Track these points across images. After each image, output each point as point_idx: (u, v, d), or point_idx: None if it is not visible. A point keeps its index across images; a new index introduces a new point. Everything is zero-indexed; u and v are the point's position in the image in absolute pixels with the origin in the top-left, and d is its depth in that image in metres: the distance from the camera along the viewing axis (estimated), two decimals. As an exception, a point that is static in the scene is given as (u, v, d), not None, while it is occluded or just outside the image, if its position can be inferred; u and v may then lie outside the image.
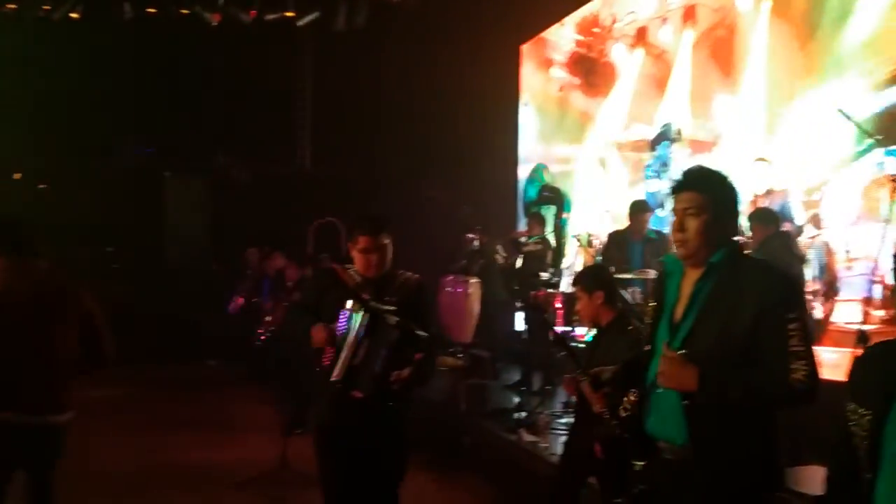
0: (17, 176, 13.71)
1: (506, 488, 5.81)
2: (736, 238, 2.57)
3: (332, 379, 3.40)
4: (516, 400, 6.65)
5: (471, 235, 8.73)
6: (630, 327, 3.90)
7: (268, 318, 8.90)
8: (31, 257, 3.45)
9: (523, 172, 10.79)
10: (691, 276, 2.51)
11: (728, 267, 2.45)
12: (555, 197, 7.91)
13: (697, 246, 2.46)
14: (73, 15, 11.41)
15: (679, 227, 2.48)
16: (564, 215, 7.79)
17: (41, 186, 14.01)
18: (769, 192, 6.39)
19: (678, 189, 2.53)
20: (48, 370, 3.41)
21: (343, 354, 3.41)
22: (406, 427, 3.60)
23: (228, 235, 12.44)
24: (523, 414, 6.37)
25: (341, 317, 3.44)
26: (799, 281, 2.61)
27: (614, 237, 6.96)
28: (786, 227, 5.94)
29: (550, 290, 7.17)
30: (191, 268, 12.06)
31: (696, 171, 2.57)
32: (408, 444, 3.63)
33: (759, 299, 2.35)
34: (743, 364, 2.36)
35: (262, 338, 8.81)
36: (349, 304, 3.44)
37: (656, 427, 2.51)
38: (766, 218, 5.62)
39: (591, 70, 9.53)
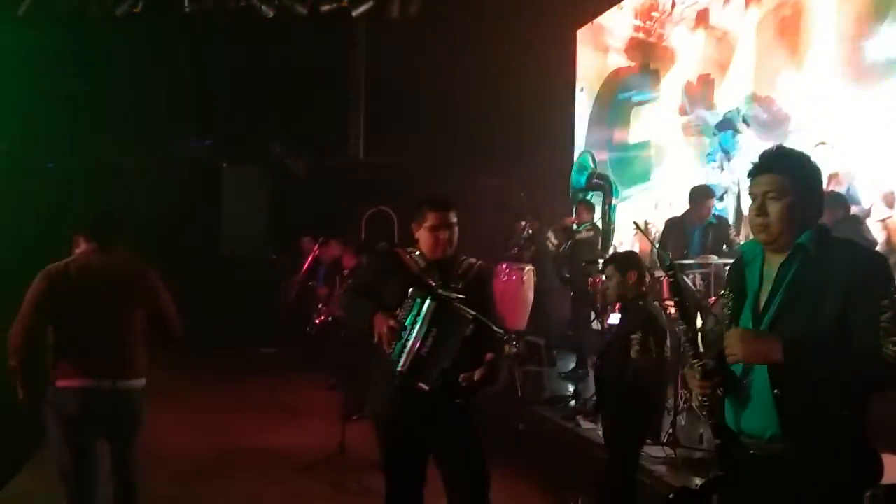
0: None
1: (562, 476, 5.77)
2: (820, 219, 2.45)
3: (399, 369, 3.28)
4: (572, 387, 6.60)
5: (523, 223, 8.67)
6: (642, 302, 4.23)
7: (322, 306, 8.98)
8: (112, 246, 3.91)
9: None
10: (774, 261, 2.42)
11: (815, 248, 2.35)
12: (603, 184, 7.80)
13: (780, 230, 2.37)
14: (136, 10, 11.63)
15: (760, 211, 2.39)
16: (613, 201, 7.67)
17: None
18: (833, 176, 6.21)
19: (757, 171, 2.43)
20: (120, 341, 3.79)
21: (409, 344, 3.27)
22: (473, 418, 3.47)
23: (284, 224, 12.61)
24: (580, 401, 6.33)
25: (406, 304, 3.31)
26: (887, 261, 2.48)
27: (672, 223, 6.83)
28: (853, 210, 5.77)
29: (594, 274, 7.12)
30: (247, 257, 12.26)
31: (774, 152, 2.46)
32: (477, 433, 3.47)
33: (848, 278, 2.25)
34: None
35: (318, 323, 8.89)
36: (410, 290, 3.32)
37: (742, 421, 2.40)
38: (834, 202, 5.45)
39: (649, 55, 9.34)
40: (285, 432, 7.08)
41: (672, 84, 8.89)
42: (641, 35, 9.52)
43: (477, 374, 3.27)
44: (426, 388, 3.27)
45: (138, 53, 11.97)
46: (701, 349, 2.50)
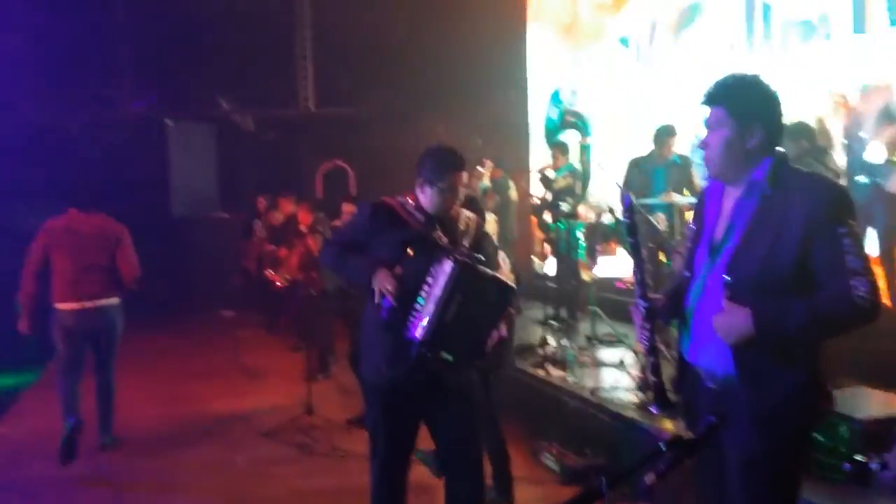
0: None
1: (533, 425, 5.72)
2: (779, 149, 2.32)
3: (418, 338, 3.00)
4: (540, 335, 6.50)
5: (479, 169, 8.47)
6: None
7: (281, 267, 8.74)
8: (93, 210, 5.39)
9: (537, 99, 10.44)
10: (732, 195, 2.33)
11: (771, 182, 2.24)
12: (577, 121, 7.47)
13: (721, 163, 2.30)
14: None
15: (703, 144, 2.34)
16: (587, 140, 7.38)
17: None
18: (868, 92, 5.76)
19: (703, 104, 2.34)
20: (98, 275, 5.27)
21: (430, 310, 2.99)
22: (478, 392, 3.40)
23: (235, 182, 12.26)
24: (549, 349, 6.25)
25: (413, 262, 3.04)
26: (848, 192, 2.36)
27: (635, 162, 6.71)
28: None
29: (571, 221, 6.97)
30: (199, 217, 11.90)
31: (717, 81, 2.34)
32: (472, 398, 3.33)
33: (807, 214, 2.15)
34: (794, 288, 2.17)
35: (279, 285, 8.66)
36: (412, 247, 3.07)
37: (697, 356, 2.38)
38: (798, 132, 5.35)
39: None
40: (250, 396, 6.92)
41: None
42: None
43: (504, 331, 3.17)
44: (450, 358, 3.03)
45: (76, 8, 11.38)
46: (649, 288, 2.48)
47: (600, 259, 7.00)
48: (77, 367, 5.37)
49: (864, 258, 2.17)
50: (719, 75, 2.36)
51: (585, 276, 7.17)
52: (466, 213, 3.33)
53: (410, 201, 3.21)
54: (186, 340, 9.85)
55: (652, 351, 2.46)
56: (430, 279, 3.03)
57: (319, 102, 11.93)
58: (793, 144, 5.33)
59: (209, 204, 11.45)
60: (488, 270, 3.11)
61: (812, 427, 2.42)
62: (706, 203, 2.45)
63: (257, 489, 4.80)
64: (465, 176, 3.22)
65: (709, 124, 2.31)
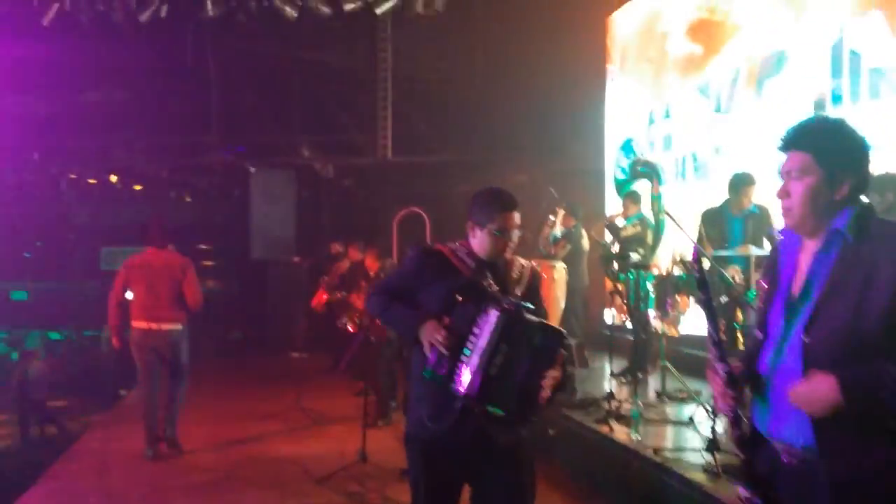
0: (113, 178, 14.20)
1: (594, 484, 5.44)
2: (864, 198, 2.13)
3: (463, 391, 2.84)
4: (607, 389, 6.23)
5: (552, 218, 8.29)
6: None
7: (352, 311, 8.73)
8: (165, 246, 6.41)
9: (613, 148, 10.28)
10: (810, 248, 2.13)
11: (854, 232, 2.04)
12: (648, 171, 7.25)
13: (804, 213, 2.09)
14: (160, 15, 11.59)
15: (781, 192, 2.13)
16: (659, 190, 7.12)
17: (136, 188, 14.52)
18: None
19: (781, 148, 2.16)
20: (165, 302, 6.23)
21: (475, 362, 2.84)
22: (532, 453, 3.09)
23: (312, 228, 12.48)
24: (614, 404, 5.97)
25: (460, 312, 2.90)
26: None
27: (711, 213, 6.42)
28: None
29: (642, 272, 6.69)
30: (275, 261, 12.13)
31: (801, 125, 2.16)
32: (532, 468, 3.09)
33: (892, 272, 1.94)
34: (882, 351, 1.93)
35: (351, 330, 8.63)
36: (461, 295, 2.92)
37: (774, 428, 2.13)
38: (884, 184, 5.01)
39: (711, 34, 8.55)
40: (308, 441, 6.88)
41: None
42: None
43: (557, 373, 2.88)
44: (500, 412, 2.85)
45: (164, 61, 11.95)
46: (726, 350, 2.20)
47: (672, 314, 6.69)
48: (152, 376, 6.30)
49: None
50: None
51: (669, 330, 6.90)
52: (521, 261, 3.18)
53: (462, 247, 3.09)
54: (254, 381, 9.95)
55: (738, 422, 2.18)
56: (476, 329, 2.87)
57: (397, 151, 12.06)
58: (878, 197, 5.00)
59: (285, 248, 11.66)
60: (535, 319, 2.92)
61: None
62: (781, 257, 2.23)
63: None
64: (516, 217, 3.04)
65: (789, 171, 2.11)
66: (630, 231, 7.27)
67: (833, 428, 1.97)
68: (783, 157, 2.15)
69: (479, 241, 3.04)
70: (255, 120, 12.76)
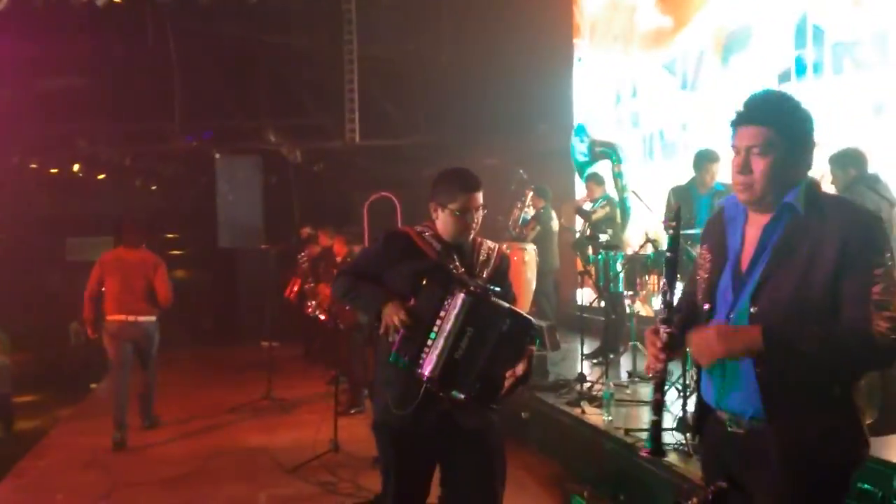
0: (75, 168, 13.91)
1: (567, 466, 5.45)
2: (809, 174, 2.15)
3: (427, 375, 2.81)
4: (578, 371, 6.24)
5: (522, 200, 8.27)
6: None
7: (320, 299, 8.65)
8: (139, 245, 6.76)
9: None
10: (758, 221, 2.16)
11: (805, 206, 2.08)
12: (607, 150, 7.26)
13: (765, 189, 2.10)
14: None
15: (743, 168, 2.10)
16: (620, 168, 7.15)
17: (100, 177, 14.23)
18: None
19: (740, 122, 2.12)
20: (139, 295, 6.56)
21: (439, 345, 2.81)
22: (501, 437, 3.05)
23: (281, 214, 12.33)
24: (586, 386, 5.98)
25: (425, 295, 2.87)
26: (883, 222, 2.14)
27: (676, 191, 6.41)
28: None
29: (612, 253, 6.69)
30: (243, 248, 11.98)
31: (761, 99, 2.13)
32: (503, 458, 3.06)
33: (841, 242, 2.00)
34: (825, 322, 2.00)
35: (323, 318, 8.55)
36: (427, 279, 2.88)
37: (722, 399, 2.18)
38: (846, 159, 5.04)
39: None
40: (280, 430, 6.82)
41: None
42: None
43: (520, 370, 2.85)
44: (462, 396, 2.82)
45: (123, 47, 11.69)
46: (673, 317, 2.22)
47: (642, 293, 6.71)
48: (124, 367, 6.59)
49: (894, 295, 1.99)
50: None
51: (644, 308, 6.90)
52: (489, 244, 3.14)
53: (428, 228, 3.05)
54: (225, 371, 9.87)
55: (661, 387, 2.24)
56: (442, 312, 2.84)
57: (364, 134, 11.93)
58: (841, 172, 5.04)
59: (254, 235, 11.51)
60: (504, 303, 2.88)
61: (847, 474, 2.18)
62: (727, 228, 2.24)
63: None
64: (478, 197, 2.99)
65: (749, 146, 2.09)
66: (600, 213, 7.29)
67: (781, 396, 2.04)
68: (741, 130, 2.12)
69: (441, 222, 3.01)
70: (218, 105, 12.53)
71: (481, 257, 3.06)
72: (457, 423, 2.92)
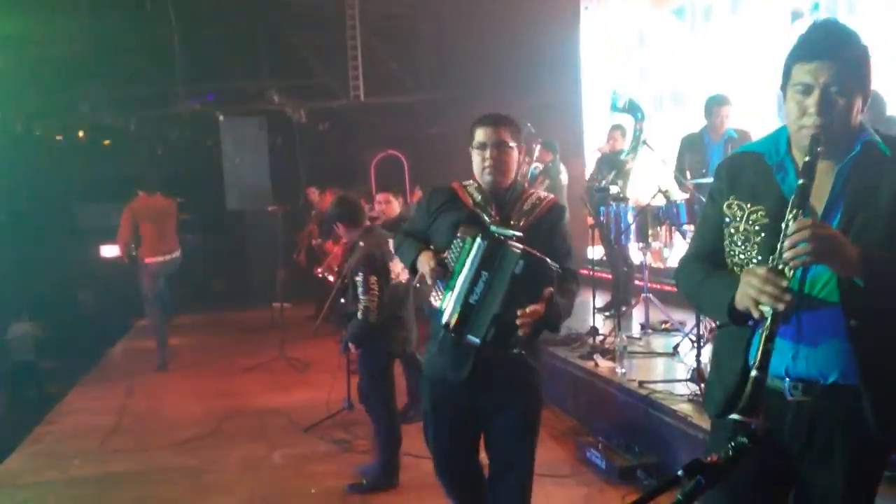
0: (80, 134, 13.84)
1: (581, 419, 5.45)
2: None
3: (444, 321, 2.78)
4: (590, 324, 6.20)
5: (530, 156, 8.14)
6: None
7: (328, 261, 8.61)
8: (154, 190, 8.14)
9: (590, 81, 10.09)
10: (821, 167, 1.88)
11: (891, 144, 1.89)
12: (631, 108, 7.05)
13: (843, 130, 1.87)
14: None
15: (821, 108, 1.84)
16: (640, 126, 6.97)
17: (105, 143, 14.16)
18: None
19: (812, 56, 1.86)
20: (169, 235, 8.04)
21: (456, 291, 2.78)
22: (538, 381, 2.95)
23: (288, 175, 12.25)
24: (598, 339, 5.95)
25: (455, 244, 2.83)
26: None
27: (688, 140, 6.29)
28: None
29: (622, 205, 6.60)
30: (252, 210, 11.94)
31: (834, 31, 1.89)
32: (538, 402, 2.97)
33: None
34: None
35: (325, 277, 8.53)
36: (461, 228, 2.83)
37: (789, 363, 1.91)
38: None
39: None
40: (294, 391, 6.84)
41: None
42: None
43: (534, 310, 2.65)
44: (477, 341, 2.76)
45: (123, 9, 11.51)
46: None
47: (654, 244, 6.62)
48: (163, 301, 8.07)
49: None
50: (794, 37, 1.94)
51: (655, 261, 6.75)
52: (541, 194, 3.00)
53: (473, 181, 3.01)
54: (237, 333, 9.89)
55: (773, 337, 1.78)
56: (465, 259, 2.80)
57: (369, 92, 11.78)
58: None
59: (262, 197, 11.44)
60: (517, 246, 2.75)
61: None
62: (775, 176, 1.98)
63: (291, 487, 4.66)
64: (495, 132, 2.87)
65: (827, 84, 1.84)
66: (631, 164, 7.13)
67: (878, 355, 1.85)
68: (813, 65, 1.86)
69: (473, 164, 2.97)
70: (221, 67, 12.39)
71: (525, 206, 2.94)
72: (492, 373, 2.86)
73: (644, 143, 6.71)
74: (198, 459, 5.20)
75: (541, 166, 8.41)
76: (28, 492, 4.84)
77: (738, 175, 2.07)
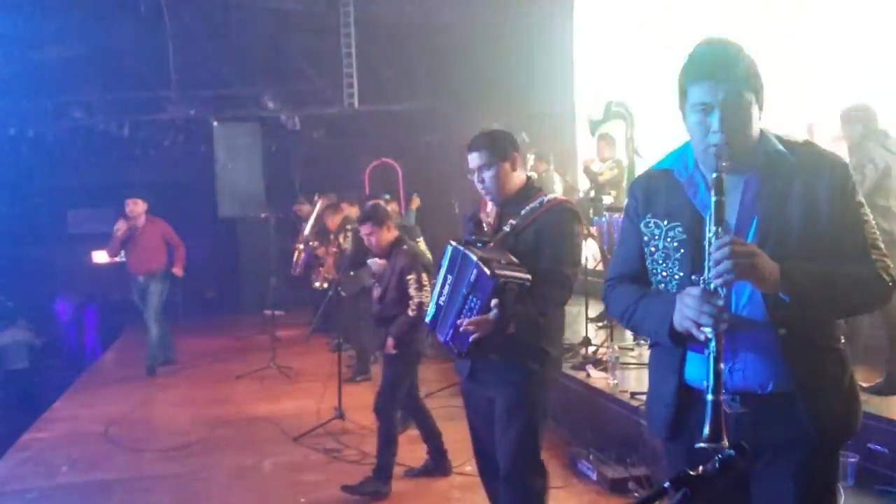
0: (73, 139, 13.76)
1: (572, 430, 5.43)
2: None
3: (426, 321, 3.17)
4: (583, 335, 6.20)
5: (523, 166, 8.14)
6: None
7: (321, 266, 8.60)
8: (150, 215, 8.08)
9: (583, 91, 10.09)
10: (728, 180, 1.88)
11: (792, 151, 1.95)
12: (623, 111, 7.04)
13: (746, 142, 1.91)
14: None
15: (726, 125, 1.88)
16: (633, 131, 6.97)
17: (97, 148, 14.08)
18: None
19: (706, 75, 1.90)
20: (156, 256, 7.98)
21: (434, 292, 3.09)
22: (529, 380, 2.94)
23: (282, 182, 12.22)
24: (591, 349, 5.94)
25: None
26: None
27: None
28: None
29: (615, 215, 6.59)
30: (245, 217, 11.90)
31: (720, 48, 1.93)
32: (524, 396, 2.95)
33: (827, 183, 1.90)
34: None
35: (321, 285, 8.51)
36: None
37: (736, 377, 1.93)
38: (852, 117, 4.90)
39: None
40: (285, 399, 6.80)
41: None
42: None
43: (476, 320, 2.74)
44: (441, 339, 3.03)
45: (117, 14, 11.48)
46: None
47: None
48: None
49: (877, 233, 1.96)
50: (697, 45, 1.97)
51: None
52: (545, 199, 2.99)
53: None
54: (230, 340, 9.85)
55: (720, 357, 1.80)
56: (441, 265, 3.10)
57: (363, 99, 11.76)
58: (848, 128, 4.92)
59: (255, 204, 11.40)
60: (474, 254, 2.81)
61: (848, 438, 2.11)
62: (687, 192, 2.00)
63: (280, 496, 4.64)
64: (474, 157, 3.00)
65: (727, 99, 1.87)
66: (608, 175, 7.16)
67: (807, 363, 1.90)
68: (706, 85, 1.90)
69: None
70: (215, 73, 12.35)
71: (524, 210, 2.98)
72: (489, 370, 3.00)
73: (636, 152, 6.71)
74: (187, 467, 5.17)
75: (535, 176, 8.42)
76: (14, 499, 4.80)
77: (652, 194, 2.11)
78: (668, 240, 2.03)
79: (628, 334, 6.64)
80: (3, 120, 12.01)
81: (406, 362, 4.68)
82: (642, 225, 2.09)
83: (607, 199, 6.75)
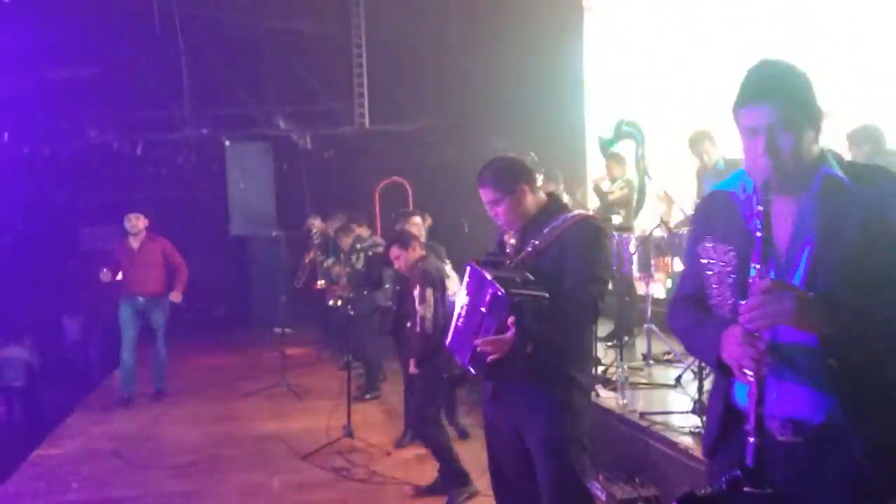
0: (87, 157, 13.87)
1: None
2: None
3: (446, 343, 3.13)
4: (593, 354, 6.17)
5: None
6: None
7: (334, 284, 8.63)
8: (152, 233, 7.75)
9: (594, 110, 10.12)
10: (783, 202, 1.89)
11: (852, 176, 1.87)
12: (633, 130, 7.05)
13: (797, 166, 1.85)
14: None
15: (769, 147, 1.84)
16: (643, 150, 6.97)
17: (111, 166, 14.20)
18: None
19: (753, 99, 1.88)
20: (156, 275, 7.61)
21: (454, 314, 3.04)
22: (559, 411, 2.85)
23: (292, 201, 12.28)
24: (600, 369, 5.93)
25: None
26: None
27: (697, 173, 6.31)
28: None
29: (624, 235, 6.60)
30: (255, 235, 11.96)
31: (767, 73, 1.90)
32: (557, 428, 2.85)
33: (892, 212, 1.80)
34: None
35: (334, 303, 8.52)
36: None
37: (776, 403, 1.84)
38: (861, 137, 4.92)
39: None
40: (294, 417, 6.80)
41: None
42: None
43: (492, 339, 2.66)
44: (460, 361, 3.00)
45: (131, 34, 11.63)
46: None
47: (657, 275, 6.61)
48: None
49: None
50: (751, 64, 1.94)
51: (657, 291, 6.80)
52: (567, 216, 2.94)
53: None
54: (239, 358, 9.87)
55: (762, 399, 1.78)
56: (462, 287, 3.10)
57: (374, 119, 11.86)
58: (855, 149, 4.93)
59: (266, 222, 11.47)
60: (490, 272, 2.77)
61: None
62: (743, 214, 1.97)
63: (289, 515, 4.64)
64: (484, 193, 2.99)
65: (771, 124, 1.84)
66: (617, 194, 7.17)
67: (860, 395, 1.80)
68: (755, 109, 1.88)
69: None
70: (228, 92, 12.47)
71: (546, 228, 2.91)
72: (513, 397, 2.92)
73: (646, 172, 6.73)
74: (196, 485, 5.18)
75: (558, 192, 8.45)
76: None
77: (712, 214, 2.09)
78: (723, 264, 2.00)
79: (638, 354, 6.63)
80: (19, 138, 12.14)
81: (429, 381, 4.68)
82: (700, 248, 2.07)
83: (616, 219, 6.76)
